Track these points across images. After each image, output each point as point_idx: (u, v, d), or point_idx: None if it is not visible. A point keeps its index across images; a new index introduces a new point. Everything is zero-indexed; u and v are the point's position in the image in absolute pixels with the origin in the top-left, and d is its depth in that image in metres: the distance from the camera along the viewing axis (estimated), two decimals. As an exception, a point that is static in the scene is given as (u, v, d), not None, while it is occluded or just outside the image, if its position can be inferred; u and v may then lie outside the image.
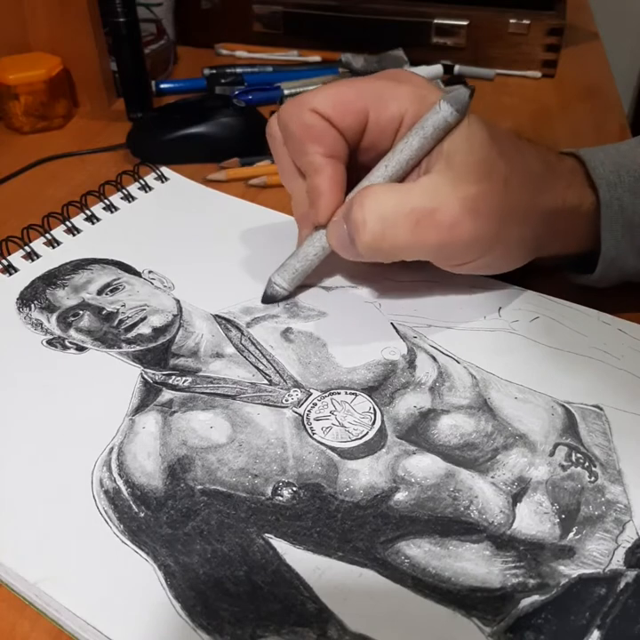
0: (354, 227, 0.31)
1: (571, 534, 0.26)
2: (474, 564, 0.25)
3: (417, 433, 0.30)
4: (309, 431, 0.30)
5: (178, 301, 0.37)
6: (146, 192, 0.46)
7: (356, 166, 0.35)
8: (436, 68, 0.65)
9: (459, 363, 0.33)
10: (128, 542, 0.25)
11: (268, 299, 0.37)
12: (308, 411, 0.31)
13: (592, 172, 0.35)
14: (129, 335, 0.35)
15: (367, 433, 0.30)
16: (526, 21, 0.66)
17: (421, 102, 0.33)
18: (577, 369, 0.33)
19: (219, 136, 0.53)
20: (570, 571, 0.25)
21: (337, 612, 0.24)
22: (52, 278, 0.38)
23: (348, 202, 0.33)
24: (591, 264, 0.37)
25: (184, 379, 0.32)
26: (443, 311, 0.36)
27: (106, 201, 0.44)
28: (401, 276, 0.38)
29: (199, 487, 0.27)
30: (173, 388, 0.32)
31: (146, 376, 0.33)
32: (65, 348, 0.34)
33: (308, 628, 0.23)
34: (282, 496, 0.27)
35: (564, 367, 0.33)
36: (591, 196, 0.35)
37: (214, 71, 0.66)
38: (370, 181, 0.34)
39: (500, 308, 0.36)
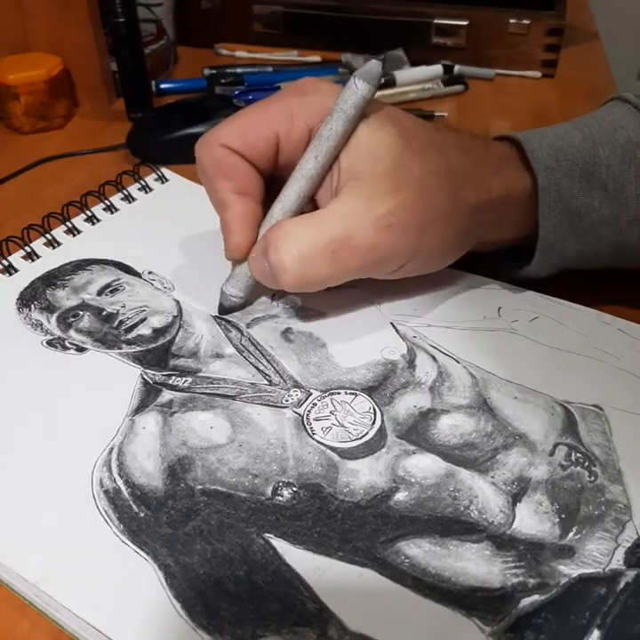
0: (273, 270, 0.31)
1: (571, 534, 0.26)
2: (474, 563, 0.25)
3: (417, 433, 0.30)
4: (309, 431, 0.30)
5: (178, 302, 0.37)
6: (146, 193, 0.46)
7: (277, 185, 0.35)
8: (436, 68, 0.65)
9: (458, 362, 0.33)
10: (128, 542, 0.25)
11: (226, 311, 0.36)
12: (308, 411, 0.31)
13: (530, 155, 0.34)
14: (129, 336, 0.35)
15: (367, 433, 0.30)
16: (526, 21, 0.66)
17: (328, 112, 0.32)
18: (576, 369, 0.33)
19: (219, 136, 0.53)
20: (570, 570, 0.25)
21: (337, 612, 0.24)
22: (52, 279, 0.38)
23: (265, 238, 0.32)
24: (528, 255, 0.36)
25: (184, 379, 0.32)
26: (442, 311, 0.36)
27: (106, 202, 0.44)
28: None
29: (199, 487, 0.27)
30: (173, 388, 0.32)
31: (146, 376, 0.33)
32: (65, 348, 0.34)
33: (309, 627, 0.23)
34: (282, 496, 0.27)
35: (563, 367, 0.33)
36: (524, 181, 0.35)
37: (214, 71, 0.66)
38: (303, 170, 0.32)
39: (500, 307, 0.36)
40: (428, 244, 0.33)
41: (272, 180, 0.35)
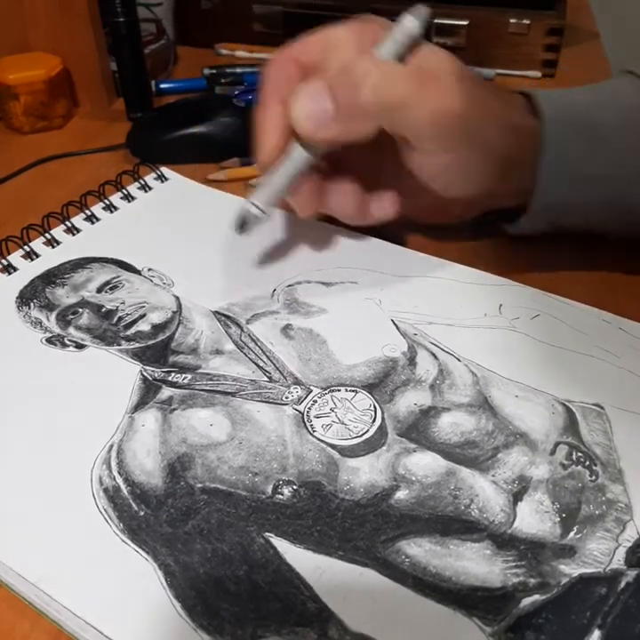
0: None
1: (571, 533, 0.26)
2: (474, 563, 0.25)
3: (417, 431, 0.30)
4: (309, 428, 0.30)
5: (177, 298, 0.37)
6: (145, 192, 0.46)
7: None
8: (437, 68, 0.65)
9: (459, 360, 0.33)
10: (128, 541, 0.25)
11: (243, 226, 0.35)
12: (309, 408, 0.31)
13: (539, 107, 0.37)
14: (128, 332, 0.35)
15: (367, 430, 0.30)
16: (526, 21, 0.66)
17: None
18: (578, 367, 0.33)
19: (219, 136, 0.53)
20: (570, 570, 0.25)
21: (337, 612, 0.23)
22: (52, 277, 0.38)
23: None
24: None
25: (184, 376, 0.32)
26: (443, 308, 0.36)
27: (105, 201, 0.44)
28: (400, 271, 0.38)
29: (199, 485, 0.27)
30: (173, 385, 0.32)
31: (145, 373, 0.32)
32: (64, 345, 0.34)
33: (309, 627, 0.23)
34: (282, 494, 0.27)
35: (564, 365, 0.33)
36: (535, 133, 0.37)
37: (214, 71, 0.66)
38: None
39: (501, 305, 0.36)
40: (474, 140, 0.34)
41: None
